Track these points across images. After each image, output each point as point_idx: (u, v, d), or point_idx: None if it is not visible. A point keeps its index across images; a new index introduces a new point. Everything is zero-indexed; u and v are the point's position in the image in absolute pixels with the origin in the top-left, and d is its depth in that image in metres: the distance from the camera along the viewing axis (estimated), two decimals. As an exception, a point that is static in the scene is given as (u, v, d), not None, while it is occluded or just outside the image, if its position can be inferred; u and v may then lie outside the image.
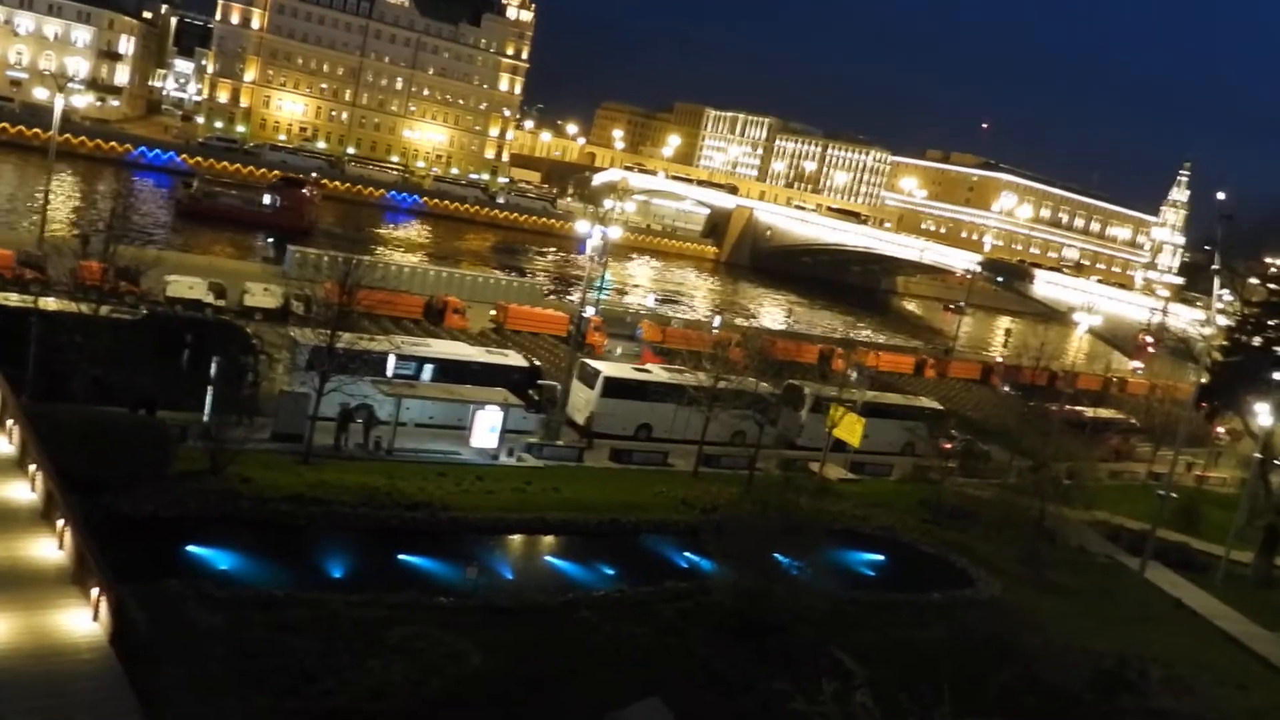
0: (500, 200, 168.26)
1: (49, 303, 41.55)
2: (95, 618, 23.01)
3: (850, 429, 53.06)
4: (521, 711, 25.50)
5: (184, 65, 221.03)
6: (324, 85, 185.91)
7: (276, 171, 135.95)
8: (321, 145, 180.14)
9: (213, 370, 40.78)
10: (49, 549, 25.59)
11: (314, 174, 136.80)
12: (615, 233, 76.05)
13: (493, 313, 74.83)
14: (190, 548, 32.45)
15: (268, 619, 27.12)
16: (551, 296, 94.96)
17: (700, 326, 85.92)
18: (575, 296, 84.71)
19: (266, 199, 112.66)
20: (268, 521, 35.18)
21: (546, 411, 52.07)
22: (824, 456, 53.77)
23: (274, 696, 23.40)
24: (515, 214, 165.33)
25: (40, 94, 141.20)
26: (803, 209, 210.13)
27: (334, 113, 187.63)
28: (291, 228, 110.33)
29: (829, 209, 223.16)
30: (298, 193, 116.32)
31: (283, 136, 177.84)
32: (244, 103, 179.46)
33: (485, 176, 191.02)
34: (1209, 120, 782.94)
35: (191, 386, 40.90)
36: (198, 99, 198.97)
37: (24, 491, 28.26)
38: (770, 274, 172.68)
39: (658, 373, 57.35)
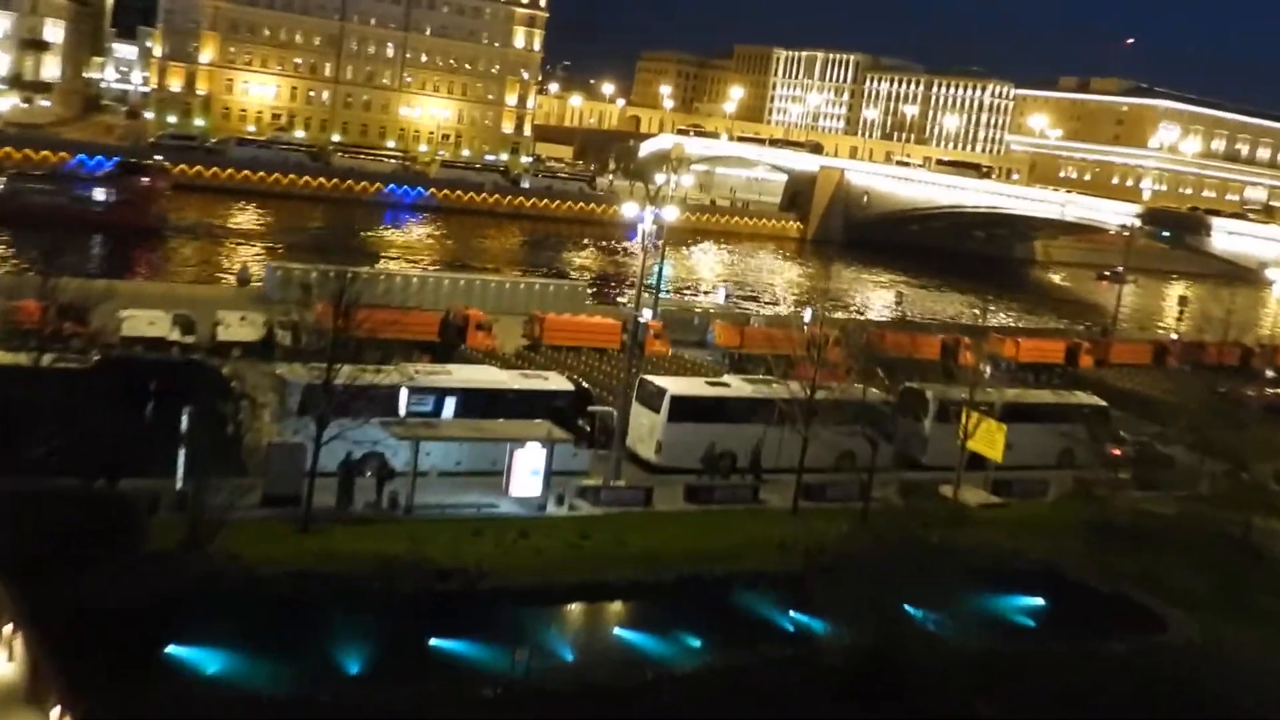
0: (525, 184, 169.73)
1: (-21, 355, 42.25)
2: (58, 742, 23.28)
3: (989, 439, 52.42)
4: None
5: (126, 50, 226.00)
6: (298, 60, 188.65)
7: (156, 158, 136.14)
8: (300, 134, 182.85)
9: (184, 423, 41.24)
10: (-3, 661, 25.98)
11: (157, 157, 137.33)
12: (671, 214, 75.71)
13: (526, 325, 75.08)
14: (170, 646, 32.75)
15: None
16: (596, 301, 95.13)
17: (788, 324, 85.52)
18: (628, 298, 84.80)
19: (100, 194, 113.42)
20: (264, 605, 35.42)
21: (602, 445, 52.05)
22: (957, 476, 53.19)
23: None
24: (545, 200, 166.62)
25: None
26: (906, 165, 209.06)
27: (313, 93, 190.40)
28: (132, 226, 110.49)
29: (939, 162, 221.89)
30: (140, 184, 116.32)
31: (252, 127, 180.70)
32: (201, 90, 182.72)
33: (505, 156, 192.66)
34: None
35: (159, 445, 41.38)
36: (145, 90, 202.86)
37: (-38, 592, 28.73)
38: (870, 250, 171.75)
39: (738, 386, 57.15)
